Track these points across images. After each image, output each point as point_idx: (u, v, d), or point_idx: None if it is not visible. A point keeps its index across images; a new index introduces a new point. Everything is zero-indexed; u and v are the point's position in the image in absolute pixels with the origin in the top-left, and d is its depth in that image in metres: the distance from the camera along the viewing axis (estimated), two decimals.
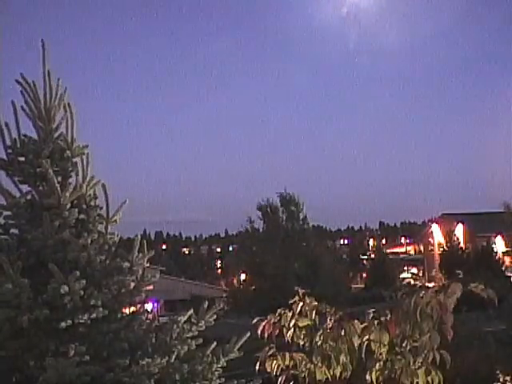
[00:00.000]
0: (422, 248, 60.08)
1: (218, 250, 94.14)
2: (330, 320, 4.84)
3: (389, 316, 4.65)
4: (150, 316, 3.88)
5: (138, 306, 3.97)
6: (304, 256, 39.67)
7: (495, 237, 47.20)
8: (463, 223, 49.80)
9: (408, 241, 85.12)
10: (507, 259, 44.78)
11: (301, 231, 40.21)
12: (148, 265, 3.90)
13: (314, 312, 4.96)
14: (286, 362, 5.07)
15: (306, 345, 4.98)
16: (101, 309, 3.52)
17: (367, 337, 4.69)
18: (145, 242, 3.83)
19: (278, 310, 5.07)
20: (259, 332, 4.84)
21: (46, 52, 3.79)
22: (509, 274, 38.64)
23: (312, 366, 4.86)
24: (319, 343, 4.80)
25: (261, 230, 41.51)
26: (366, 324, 4.73)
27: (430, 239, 54.76)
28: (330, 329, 4.78)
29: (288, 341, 5.10)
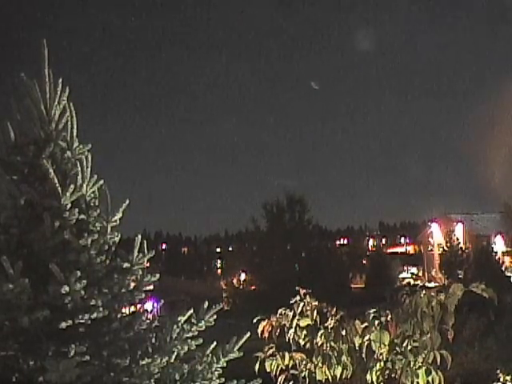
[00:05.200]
0: (421, 248, 60.07)
1: (218, 250, 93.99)
2: (331, 320, 4.86)
3: (389, 316, 4.66)
4: (150, 316, 3.88)
5: (138, 306, 3.98)
6: (305, 256, 39.72)
7: (495, 237, 47.21)
8: (463, 223, 49.79)
9: (408, 241, 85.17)
10: (507, 259, 44.78)
11: (304, 232, 40.24)
12: (148, 265, 3.91)
13: (315, 312, 4.97)
14: (286, 362, 5.08)
15: (307, 345, 4.99)
16: (101, 309, 3.52)
17: (368, 337, 4.70)
18: (145, 241, 3.83)
19: (279, 310, 5.09)
20: (259, 332, 4.86)
21: (46, 52, 3.79)
22: (509, 274, 38.66)
23: (312, 366, 4.87)
24: (320, 343, 4.81)
25: (262, 229, 41.50)
26: (366, 324, 4.74)
27: (430, 239, 54.74)
28: (331, 329, 4.79)
29: (289, 340, 5.12)
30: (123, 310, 3.81)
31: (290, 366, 5.09)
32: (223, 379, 3.90)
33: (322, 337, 4.87)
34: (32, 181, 3.77)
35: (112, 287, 3.67)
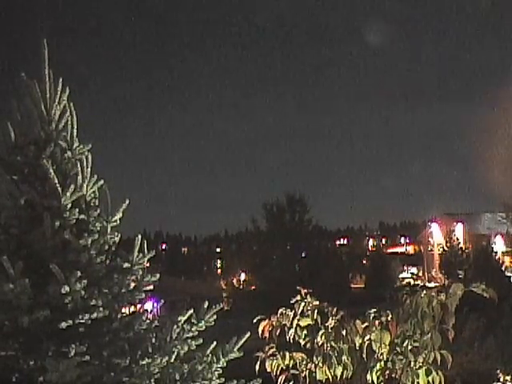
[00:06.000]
0: (421, 248, 60.06)
1: (218, 250, 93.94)
2: (332, 320, 4.86)
3: (390, 316, 4.66)
4: (150, 316, 3.88)
5: (138, 306, 3.98)
6: (305, 256, 39.72)
7: (495, 237, 47.21)
8: (463, 223, 49.80)
9: (408, 241, 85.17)
10: (507, 259, 44.77)
11: (304, 232, 40.24)
12: (148, 265, 3.91)
13: (315, 312, 4.98)
14: (286, 362, 5.09)
15: (308, 345, 5.00)
16: (101, 309, 3.52)
17: (368, 337, 4.71)
18: (145, 241, 3.83)
19: (280, 310, 5.09)
20: (260, 332, 4.86)
21: (46, 52, 3.79)
22: (509, 274, 38.64)
23: (313, 365, 4.87)
24: (320, 343, 4.82)
25: (262, 229, 41.48)
26: (367, 324, 4.75)
27: (430, 239, 54.74)
28: (331, 328, 4.80)
29: (289, 340, 5.12)
30: (123, 310, 3.81)
31: (290, 365, 5.09)
32: (223, 379, 3.90)
33: (323, 337, 4.87)
34: (32, 181, 3.77)
35: (112, 287, 3.67)
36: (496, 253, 42.61)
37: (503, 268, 40.80)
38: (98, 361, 3.50)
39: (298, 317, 5.07)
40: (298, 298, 5.15)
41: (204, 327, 3.92)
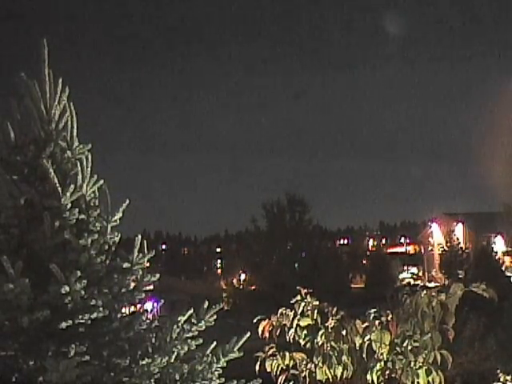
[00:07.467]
0: (422, 248, 60.11)
1: (218, 250, 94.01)
2: (332, 320, 4.87)
3: (390, 316, 4.67)
4: (150, 316, 3.88)
5: (138, 306, 3.98)
6: (305, 256, 39.76)
7: (495, 237, 47.25)
8: (463, 223, 49.84)
9: (408, 241, 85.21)
10: (507, 259, 44.81)
11: (304, 232, 40.29)
12: (148, 265, 3.91)
13: (315, 312, 4.98)
14: (286, 362, 5.09)
15: (308, 345, 5.00)
16: (101, 309, 3.53)
17: (368, 337, 4.71)
18: (145, 241, 3.83)
19: (280, 310, 5.10)
20: (260, 332, 4.86)
21: (47, 51, 3.79)
22: (509, 274, 38.67)
23: (313, 365, 4.87)
24: (320, 343, 4.82)
25: (262, 229, 41.53)
26: (367, 324, 4.75)
27: (430, 239, 54.79)
28: (331, 328, 4.80)
29: (289, 340, 5.12)
30: (123, 310, 3.81)
31: (290, 365, 5.10)
32: (223, 379, 3.90)
33: (323, 337, 4.88)
34: (32, 181, 3.77)
35: (112, 287, 3.67)
36: (496, 253, 42.65)
37: (503, 268, 40.83)
38: (98, 361, 3.51)
39: (298, 317, 5.08)
40: (298, 298, 5.16)
41: (204, 327, 3.91)
